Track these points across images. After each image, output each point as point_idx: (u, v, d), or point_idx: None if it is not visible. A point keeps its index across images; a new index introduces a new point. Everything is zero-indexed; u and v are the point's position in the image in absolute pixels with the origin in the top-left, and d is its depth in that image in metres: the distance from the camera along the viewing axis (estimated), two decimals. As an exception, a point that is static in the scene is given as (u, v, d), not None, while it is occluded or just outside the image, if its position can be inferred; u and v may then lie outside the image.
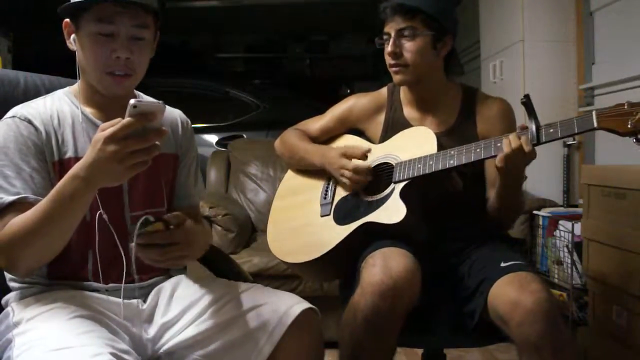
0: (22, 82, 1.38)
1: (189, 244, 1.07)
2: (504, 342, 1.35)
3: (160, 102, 0.96)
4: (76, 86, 1.23)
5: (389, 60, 1.51)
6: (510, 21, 3.13)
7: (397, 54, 1.48)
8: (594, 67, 2.84)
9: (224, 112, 4.16)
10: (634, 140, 1.19)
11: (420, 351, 1.68)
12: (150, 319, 1.18)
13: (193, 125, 1.38)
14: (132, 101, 0.91)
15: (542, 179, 2.89)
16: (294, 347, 1.12)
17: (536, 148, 1.29)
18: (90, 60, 1.14)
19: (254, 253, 2.47)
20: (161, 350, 1.15)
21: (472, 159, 1.35)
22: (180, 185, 1.33)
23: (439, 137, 1.47)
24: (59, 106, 1.19)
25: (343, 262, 1.46)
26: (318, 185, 1.61)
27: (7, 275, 1.17)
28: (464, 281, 1.40)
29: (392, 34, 1.48)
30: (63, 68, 1.44)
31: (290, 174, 1.74)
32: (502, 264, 1.32)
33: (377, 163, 1.53)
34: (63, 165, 1.12)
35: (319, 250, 1.46)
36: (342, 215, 1.49)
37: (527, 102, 1.29)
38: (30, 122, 1.13)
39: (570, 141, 2.82)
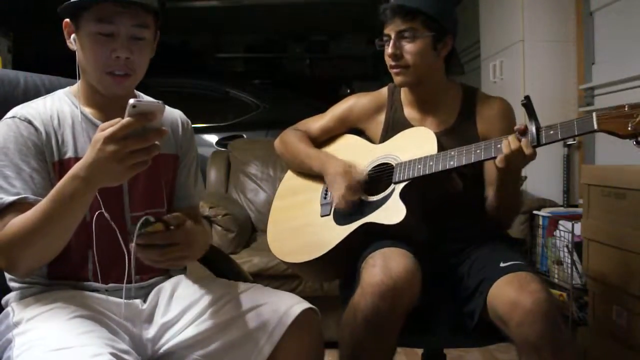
0: (22, 82, 1.38)
1: (189, 245, 1.07)
2: (504, 342, 1.35)
3: (160, 102, 0.96)
4: (76, 86, 1.23)
5: (389, 61, 1.51)
6: (510, 21, 3.13)
7: (397, 56, 1.48)
8: (594, 67, 2.84)
9: (224, 112, 4.16)
10: (634, 142, 1.19)
11: (420, 351, 1.68)
12: (150, 319, 1.18)
13: (193, 125, 1.38)
14: (131, 101, 0.91)
15: (542, 179, 2.89)
16: (294, 347, 1.12)
17: (536, 149, 1.29)
18: (90, 60, 1.14)
19: (254, 253, 2.47)
20: (161, 350, 1.15)
21: (472, 160, 1.35)
22: (180, 185, 1.33)
23: (439, 137, 1.47)
24: (59, 106, 1.19)
25: (343, 262, 1.46)
26: (318, 185, 1.61)
27: (7, 275, 1.17)
28: (464, 281, 1.40)
29: (392, 36, 1.47)
30: (63, 68, 1.44)
31: (290, 174, 1.74)
32: (502, 264, 1.32)
33: (377, 163, 1.53)
34: (63, 166, 1.12)
35: (319, 251, 1.46)
36: (342, 215, 1.49)
37: (527, 104, 1.29)
38: (30, 122, 1.13)
39: (570, 141, 2.82)
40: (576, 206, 2.71)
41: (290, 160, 1.70)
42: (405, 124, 1.57)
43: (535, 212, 2.63)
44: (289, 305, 1.14)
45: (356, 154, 1.57)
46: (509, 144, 1.28)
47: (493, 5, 3.43)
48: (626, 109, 1.19)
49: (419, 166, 1.41)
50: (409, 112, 1.59)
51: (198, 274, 1.31)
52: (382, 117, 1.62)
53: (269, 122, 3.94)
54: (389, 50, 1.48)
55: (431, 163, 1.40)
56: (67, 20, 1.17)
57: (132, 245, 1.00)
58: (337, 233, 1.46)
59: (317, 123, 1.71)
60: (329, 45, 7.05)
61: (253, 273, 2.30)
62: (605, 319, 1.94)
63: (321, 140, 1.70)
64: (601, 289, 1.99)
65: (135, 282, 1.18)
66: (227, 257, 1.51)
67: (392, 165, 1.48)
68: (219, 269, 1.40)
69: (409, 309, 1.27)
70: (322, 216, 1.54)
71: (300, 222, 1.59)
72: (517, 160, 1.29)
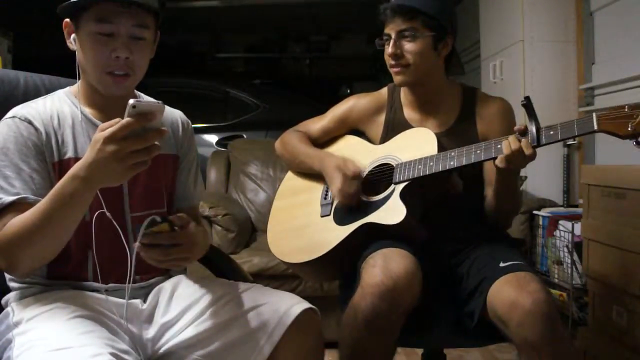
0: (22, 82, 1.38)
1: (192, 246, 1.07)
2: (504, 342, 1.35)
3: (160, 102, 0.96)
4: (76, 86, 1.22)
5: (389, 61, 1.51)
6: (510, 21, 3.13)
7: (397, 55, 1.48)
8: (594, 67, 2.84)
9: (224, 112, 4.16)
10: (634, 143, 1.19)
11: (420, 351, 1.68)
12: (150, 319, 1.18)
13: (193, 125, 1.38)
14: (131, 101, 0.90)
15: (542, 179, 2.90)
16: (293, 347, 1.12)
17: (536, 149, 1.29)
18: (90, 60, 1.13)
19: (254, 253, 2.47)
20: (161, 350, 1.15)
21: (473, 161, 1.35)
22: (180, 185, 1.33)
23: (439, 137, 1.47)
24: (59, 106, 1.19)
25: (343, 262, 1.46)
26: (318, 185, 1.61)
27: (7, 276, 1.17)
28: (464, 281, 1.40)
29: (393, 35, 1.47)
30: (64, 68, 1.44)
31: (290, 174, 1.74)
32: (502, 264, 1.32)
33: (377, 164, 1.53)
34: (63, 166, 1.12)
35: (319, 251, 1.46)
36: (342, 215, 1.49)
37: (527, 104, 1.29)
38: (30, 122, 1.12)
39: (570, 141, 2.83)
40: (576, 206, 2.71)
41: (290, 161, 1.70)
42: (405, 125, 1.57)
43: (535, 212, 2.63)
44: (289, 305, 1.14)
45: (356, 154, 1.57)
46: (509, 144, 1.28)
47: (493, 5, 3.43)
48: (626, 109, 1.19)
49: (419, 166, 1.41)
50: (409, 112, 1.59)
51: (198, 274, 1.31)
52: (382, 118, 1.62)
53: (269, 122, 3.95)
54: (389, 49, 1.48)
55: (431, 163, 1.40)
56: (67, 20, 1.16)
57: (136, 244, 1.00)
58: (337, 233, 1.46)
59: (317, 124, 1.71)
60: (329, 45, 7.05)
61: (253, 273, 2.30)
62: (605, 319, 1.94)
63: (321, 141, 1.70)
64: (601, 289, 1.99)
65: (135, 282, 1.18)
66: (227, 257, 1.51)
67: (392, 166, 1.48)
68: (219, 269, 1.40)
69: (409, 309, 1.27)
70: (322, 216, 1.54)
71: (301, 223, 1.59)
72: (517, 161, 1.29)
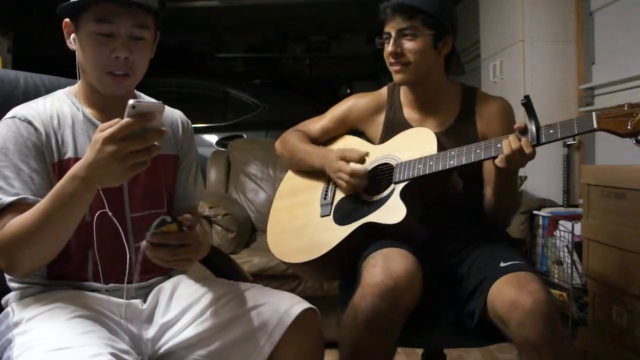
0: (22, 82, 1.38)
1: (197, 247, 1.08)
2: (504, 342, 1.35)
3: (160, 102, 0.96)
4: (76, 86, 1.22)
5: (389, 59, 1.51)
6: (510, 21, 3.13)
7: (398, 54, 1.48)
8: (594, 67, 2.84)
9: (224, 112, 4.16)
10: (634, 141, 1.19)
11: (420, 351, 1.68)
12: (150, 319, 1.18)
13: (193, 125, 1.38)
14: (130, 101, 0.90)
15: (542, 179, 2.90)
16: (293, 347, 1.12)
17: (536, 148, 1.29)
18: (90, 60, 1.13)
19: (254, 253, 2.47)
20: (161, 350, 1.15)
21: (472, 160, 1.35)
22: (180, 185, 1.33)
23: (438, 136, 1.47)
24: (59, 107, 1.19)
25: (343, 262, 1.46)
26: (318, 185, 1.61)
27: (7, 276, 1.17)
28: (464, 281, 1.40)
29: (393, 34, 1.48)
30: (64, 68, 1.44)
31: (290, 174, 1.74)
32: (502, 264, 1.32)
33: (377, 164, 1.53)
34: (63, 166, 1.12)
35: (319, 251, 1.46)
36: (342, 215, 1.49)
37: (527, 103, 1.29)
38: (30, 122, 1.12)
39: (570, 141, 2.83)
40: (576, 206, 2.71)
41: (289, 159, 1.70)
42: (405, 125, 1.57)
43: (535, 212, 2.63)
44: (289, 305, 1.14)
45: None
46: (509, 143, 1.28)
47: (493, 5, 3.43)
48: (626, 108, 1.19)
49: (419, 166, 1.41)
50: (409, 112, 1.59)
51: (198, 274, 1.31)
52: (381, 118, 1.62)
53: (269, 122, 3.95)
54: (389, 48, 1.48)
55: (431, 163, 1.40)
56: (67, 20, 1.16)
57: (144, 242, 1.01)
58: (337, 233, 1.46)
59: (317, 124, 1.71)
60: (329, 45, 7.05)
61: (253, 273, 2.30)
62: (605, 319, 1.94)
63: (321, 141, 1.70)
64: (601, 289, 1.99)
65: (136, 282, 1.18)
66: (227, 257, 1.51)
67: (392, 166, 1.48)
68: (219, 269, 1.40)
69: (409, 309, 1.27)
70: (322, 216, 1.54)
71: (301, 222, 1.59)
72: (517, 160, 1.29)
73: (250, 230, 2.82)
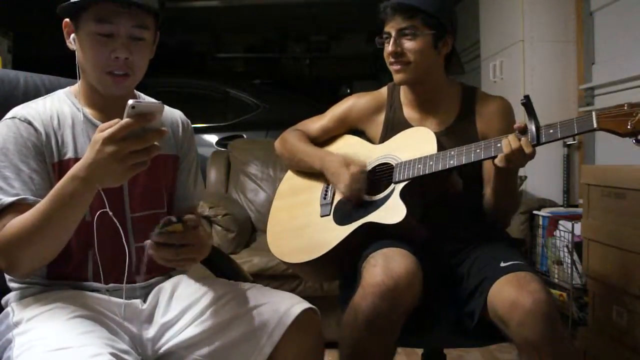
0: (22, 82, 1.38)
1: (201, 247, 1.09)
2: (504, 342, 1.35)
3: (159, 102, 0.96)
4: (76, 86, 1.22)
5: (389, 59, 1.51)
6: (510, 21, 3.13)
7: (398, 53, 1.48)
8: (594, 67, 2.84)
9: (224, 112, 4.16)
10: (634, 141, 1.19)
11: (420, 351, 1.68)
12: (150, 319, 1.18)
13: (193, 125, 1.38)
14: (130, 102, 0.90)
15: (542, 179, 2.90)
16: (294, 347, 1.12)
17: (536, 148, 1.29)
18: (90, 60, 1.13)
19: (254, 253, 2.47)
20: (161, 350, 1.15)
21: (472, 160, 1.35)
22: (180, 186, 1.33)
23: (438, 136, 1.47)
24: (59, 107, 1.18)
25: (343, 262, 1.46)
26: (318, 185, 1.61)
27: (7, 276, 1.17)
28: (464, 281, 1.40)
29: (393, 34, 1.48)
30: (64, 68, 1.44)
31: (290, 174, 1.74)
32: (502, 264, 1.32)
33: (377, 163, 1.53)
34: (63, 166, 1.12)
35: (319, 251, 1.46)
36: (342, 215, 1.49)
37: (527, 103, 1.29)
38: (30, 123, 1.12)
39: (570, 141, 2.83)
40: (576, 206, 2.71)
41: (289, 160, 1.70)
42: (405, 124, 1.57)
43: (535, 212, 2.63)
44: (289, 305, 1.14)
45: (356, 154, 1.57)
46: (509, 143, 1.28)
47: (493, 5, 3.43)
48: (625, 107, 1.19)
49: (419, 166, 1.41)
50: (408, 112, 1.59)
51: (198, 274, 1.31)
52: (381, 118, 1.62)
53: (269, 122, 3.95)
54: (389, 48, 1.48)
55: (431, 163, 1.40)
56: (67, 20, 1.16)
57: (148, 242, 1.02)
58: (337, 233, 1.46)
59: (316, 123, 1.71)
60: (329, 45, 7.05)
61: (253, 273, 2.30)
62: (605, 319, 1.94)
63: (321, 140, 1.70)
64: (601, 289, 1.99)
65: (135, 282, 1.18)
66: (227, 257, 1.51)
67: (392, 165, 1.48)
68: (219, 269, 1.40)
69: (409, 309, 1.27)
70: (322, 216, 1.54)
71: (300, 222, 1.59)
72: (517, 159, 1.29)
73: (250, 230, 2.82)
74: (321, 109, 1.75)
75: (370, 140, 1.63)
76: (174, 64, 4.58)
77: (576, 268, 2.31)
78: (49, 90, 1.32)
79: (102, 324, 1.06)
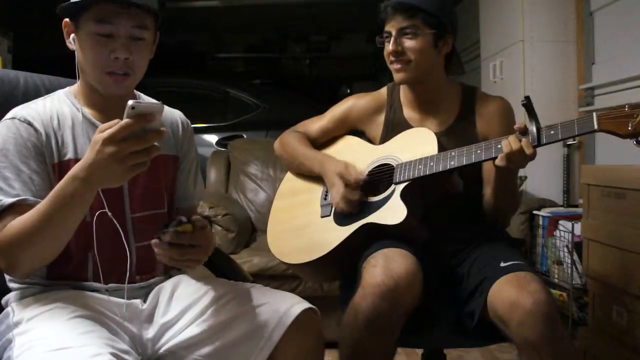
0: (22, 82, 1.38)
1: (207, 248, 1.10)
2: (504, 342, 1.35)
3: (159, 102, 0.96)
4: (76, 86, 1.22)
5: (390, 58, 1.51)
6: (510, 21, 3.13)
7: (398, 52, 1.48)
8: (594, 67, 2.84)
9: (224, 112, 4.17)
10: (635, 142, 1.19)
11: (420, 351, 1.68)
12: (150, 319, 1.18)
13: (193, 126, 1.38)
14: (130, 102, 0.90)
15: (542, 179, 2.90)
16: (293, 347, 1.12)
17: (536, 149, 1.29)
18: (90, 60, 1.13)
19: (254, 253, 2.47)
20: (161, 350, 1.15)
21: (473, 160, 1.35)
22: (180, 186, 1.33)
23: (438, 136, 1.47)
24: (58, 107, 1.18)
25: (343, 263, 1.46)
26: (318, 186, 1.61)
27: (7, 276, 1.17)
28: (464, 281, 1.40)
29: (394, 33, 1.48)
30: (64, 68, 1.44)
31: (290, 174, 1.74)
32: (502, 264, 1.32)
33: (377, 164, 1.53)
34: (63, 167, 1.12)
35: (320, 251, 1.46)
36: (342, 216, 1.49)
37: (527, 104, 1.29)
38: (30, 123, 1.12)
39: (570, 141, 2.83)
40: (576, 206, 2.71)
41: (289, 162, 1.70)
42: (405, 125, 1.57)
43: (535, 212, 2.63)
44: (289, 305, 1.14)
45: (356, 155, 1.57)
46: (509, 143, 1.28)
47: (493, 5, 3.43)
48: (626, 109, 1.19)
49: (420, 166, 1.41)
50: (408, 112, 1.59)
51: (198, 274, 1.31)
52: (381, 118, 1.62)
53: (269, 122, 3.95)
54: (390, 47, 1.48)
55: (432, 163, 1.40)
56: (67, 20, 1.16)
57: (155, 241, 1.02)
58: (337, 234, 1.46)
59: (316, 124, 1.71)
60: (329, 45, 7.05)
61: (253, 273, 2.29)
62: (605, 319, 1.94)
63: (321, 141, 1.70)
64: (601, 289, 1.99)
65: (136, 282, 1.18)
66: (227, 257, 1.51)
67: (393, 166, 1.48)
68: (219, 269, 1.40)
69: (410, 309, 1.27)
70: (322, 217, 1.54)
71: (301, 223, 1.59)
72: (518, 160, 1.29)
73: (250, 230, 2.82)
74: (321, 109, 1.75)
75: (370, 140, 1.63)
76: (174, 64, 4.59)
77: (576, 268, 2.31)
78: (49, 90, 1.32)
79: (102, 324, 1.06)
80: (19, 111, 1.14)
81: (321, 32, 6.81)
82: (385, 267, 1.26)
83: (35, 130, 1.12)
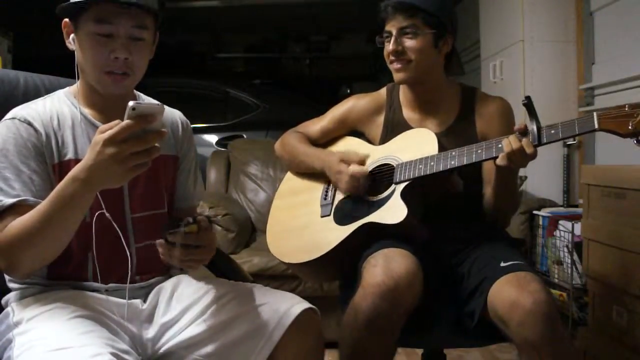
0: (22, 82, 1.38)
1: (210, 249, 1.10)
2: (504, 342, 1.35)
3: (160, 103, 0.96)
4: (75, 87, 1.22)
5: (390, 58, 1.51)
6: (510, 21, 3.13)
7: (399, 52, 1.48)
8: (594, 67, 2.84)
9: (224, 112, 4.17)
10: (635, 141, 1.19)
11: (420, 351, 1.68)
12: (150, 319, 1.18)
13: (193, 126, 1.38)
14: (131, 103, 0.90)
15: (542, 179, 2.90)
16: (293, 347, 1.12)
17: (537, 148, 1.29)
18: (89, 60, 1.13)
19: (254, 253, 2.47)
20: (161, 350, 1.15)
21: (474, 160, 1.35)
22: (180, 186, 1.33)
23: (438, 137, 1.47)
24: (58, 107, 1.18)
25: (343, 262, 1.46)
26: (318, 185, 1.61)
27: (7, 276, 1.17)
28: (464, 281, 1.40)
29: (394, 33, 1.48)
30: (64, 68, 1.44)
31: (290, 174, 1.74)
32: (502, 264, 1.32)
33: (377, 164, 1.53)
34: (63, 167, 1.12)
35: (319, 251, 1.46)
36: (342, 215, 1.49)
37: (528, 104, 1.29)
38: (30, 123, 1.12)
39: (570, 141, 2.83)
40: (576, 206, 2.71)
41: (290, 161, 1.70)
42: (405, 125, 1.57)
43: (535, 212, 2.63)
44: (289, 305, 1.14)
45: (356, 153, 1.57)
46: (510, 143, 1.28)
47: (493, 5, 3.43)
48: (626, 108, 1.19)
49: (420, 166, 1.41)
50: (408, 113, 1.59)
51: (198, 273, 1.31)
52: (381, 119, 1.62)
53: (269, 122, 3.95)
54: (390, 46, 1.48)
55: (432, 163, 1.40)
56: (67, 20, 1.16)
57: (160, 241, 1.03)
58: (337, 233, 1.46)
59: (316, 125, 1.71)
60: (329, 45, 7.05)
61: (253, 273, 2.30)
62: (605, 319, 1.94)
63: (321, 142, 1.70)
64: (601, 289, 1.99)
65: (135, 282, 1.18)
66: (227, 257, 1.51)
67: (393, 166, 1.48)
68: (219, 269, 1.40)
69: (410, 309, 1.27)
70: (322, 217, 1.54)
71: (300, 222, 1.59)
72: (519, 159, 1.29)
73: (250, 230, 2.82)
74: (321, 109, 1.75)
75: (370, 141, 1.63)
76: (174, 64, 4.59)
77: (576, 268, 2.31)
78: (49, 90, 1.32)
79: (102, 324, 1.06)
80: (19, 111, 1.14)
81: (321, 32, 6.81)
82: (385, 266, 1.26)
83: (35, 130, 1.12)
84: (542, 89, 2.92)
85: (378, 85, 1.70)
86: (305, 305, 1.15)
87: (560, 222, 2.45)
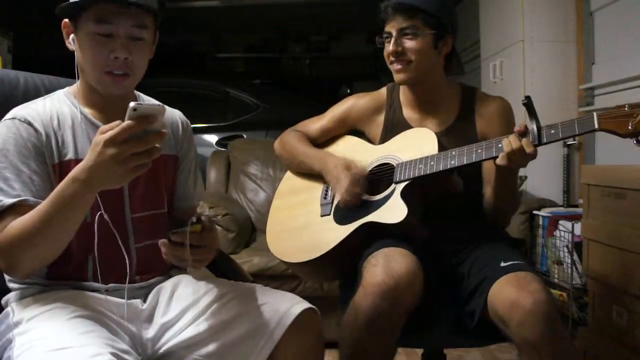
0: (22, 82, 1.38)
1: (212, 249, 1.10)
2: (504, 342, 1.35)
3: (160, 104, 0.96)
4: (75, 87, 1.22)
5: (390, 59, 1.51)
6: (510, 21, 3.13)
7: (399, 53, 1.48)
8: (594, 67, 2.84)
9: (224, 112, 4.17)
10: (635, 141, 1.19)
11: (420, 351, 1.68)
12: (150, 319, 1.18)
13: (193, 126, 1.38)
14: (132, 104, 0.90)
15: (542, 179, 2.90)
16: (293, 347, 1.12)
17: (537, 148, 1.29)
18: (89, 60, 1.13)
19: (254, 253, 2.47)
20: (161, 350, 1.15)
21: (474, 160, 1.35)
22: (180, 186, 1.33)
23: (438, 136, 1.47)
24: (58, 107, 1.18)
25: (343, 262, 1.46)
26: (318, 185, 1.61)
27: (6, 276, 1.17)
28: (465, 281, 1.40)
29: (394, 33, 1.48)
30: (64, 68, 1.44)
31: (290, 173, 1.74)
32: (502, 264, 1.32)
33: (377, 164, 1.53)
34: (63, 167, 1.12)
35: (319, 250, 1.46)
36: (342, 215, 1.49)
37: (528, 104, 1.29)
38: (30, 123, 1.12)
39: (570, 141, 2.83)
40: (576, 206, 2.71)
41: (289, 161, 1.70)
42: (405, 125, 1.57)
43: (535, 212, 2.63)
44: (289, 305, 1.14)
45: (356, 154, 1.57)
46: (510, 142, 1.28)
47: (493, 5, 3.43)
48: (626, 108, 1.19)
49: (420, 166, 1.41)
50: (408, 112, 1.60)
51: (198, 273, 1.31)
52: (381, 118, 1.62)
53: (269, 122, 3.95)
54: (390, 47, 1.49)
55: (432, 163, 1.40)
56: (66, 20, 1.16)
57: (163, 241, 1.03)
58: (337, 233, 1.46)
59: (316, 124, 1.71)
60: (329, 45, 7.05)
61: (253, 273, 2.30)
62: (605, 319, 1.94)
63: (321, 141, 1.70)
64: (601, 289, 1.99)
65: (135, 282, 1.18)
66: (227, 257, 1.51)
67: (393, 166, 1.48)
68: (219, 269, 1.40)
69: (410, 308, 1.27)
70: (322, 216, 1.54)
71: (300, 222, 1.59)
72: (519, 159, 1.29)
73: (250, 230, 2.82)
74: (321, 109, 1.75)
75: (370, 140, 1.63)
76: (174, 64, 4.59)
77: (576, 268, 2.31)
78: (48, 90, 1.32)
79: (102, 324, 1.06)
80: (19, 111, 1.14)
81: (321, 32, 6.81)
82: (385, 266, 1.26)
83: (35, 130, 1.12)
84: (542, 89, 2.92)
85: (378, 85, 1.70)
86: (306, 305, 1.15)
87: (560, 222, 2.45)
